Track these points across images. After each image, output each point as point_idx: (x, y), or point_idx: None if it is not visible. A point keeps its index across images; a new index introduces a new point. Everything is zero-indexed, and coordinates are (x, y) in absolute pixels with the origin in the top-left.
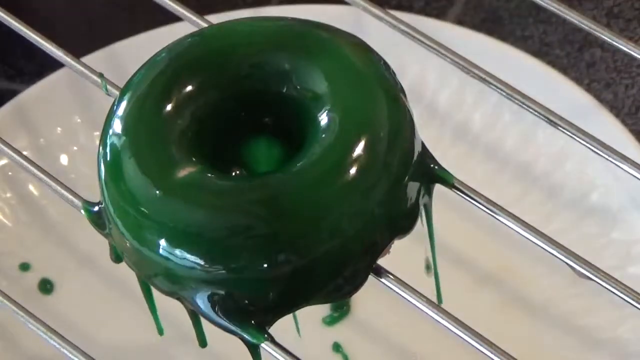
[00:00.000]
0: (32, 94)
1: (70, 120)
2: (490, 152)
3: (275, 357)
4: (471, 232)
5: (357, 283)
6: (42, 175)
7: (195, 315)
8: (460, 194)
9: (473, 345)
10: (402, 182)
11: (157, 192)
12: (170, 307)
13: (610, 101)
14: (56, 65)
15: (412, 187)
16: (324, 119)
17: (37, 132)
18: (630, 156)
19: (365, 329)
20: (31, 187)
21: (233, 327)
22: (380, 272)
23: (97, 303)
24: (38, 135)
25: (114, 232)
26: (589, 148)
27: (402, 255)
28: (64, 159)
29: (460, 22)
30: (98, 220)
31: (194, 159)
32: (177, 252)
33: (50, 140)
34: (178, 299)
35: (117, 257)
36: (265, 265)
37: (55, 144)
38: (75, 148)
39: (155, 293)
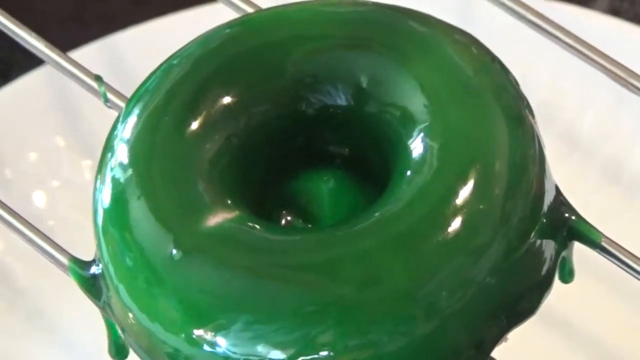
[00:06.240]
0: None
1: (49, 143)
2: None
3: None
4: (630, 318)
5: None
6: (8, 218)
7: None
8: (612, 258)
9: None
10: (527, 241)
11: (178, 249)
12: None
13: None
14: (32, 61)
15: (540, 248)
16: (417, 148)
17: (1, 158)
18: None
19: None
20: None
21: None
22: None
23: None
24: (2, 164)
25: (113, 303)
26: None
27: (525, 342)
28: (39, 198)
29: (615, 11)
30: (91, 286)
31: (229, 201)
32: (204, 334)
33: (20, 171)
34: None
35: (117, 350)
36: (327, 353)
37: (27, 176)
38: (55, 183)
39: None
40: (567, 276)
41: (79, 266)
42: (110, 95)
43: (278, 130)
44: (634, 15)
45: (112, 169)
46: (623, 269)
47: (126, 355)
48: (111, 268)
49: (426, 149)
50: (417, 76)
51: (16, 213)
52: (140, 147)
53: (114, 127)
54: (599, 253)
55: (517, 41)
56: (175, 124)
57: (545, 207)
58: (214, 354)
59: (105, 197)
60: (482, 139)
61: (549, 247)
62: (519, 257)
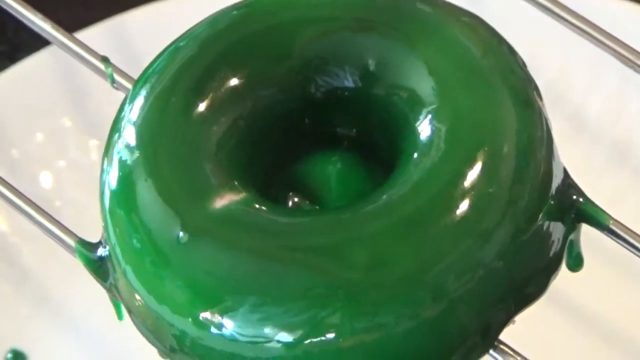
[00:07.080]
0: (1, 85)
1: (56, 124)
2: None
3: None
4: (637, 299)
5: None
6: (15, 200)
7: None
8: (619, 240)
9: None
10: (534, 224)
11: (185, 231)
12: None
13: None
14: (38, 43)
15: (548, 231)
16: (424, 130)
17: (8, 139)
18: None
19: None
20: None
21: None
22: (501, 350)
23: None
24: (9, 144)
25: (120, 285)
26: None
27: (532, 324)
28: (45, 179)
29: None
30: (98, 268)
31: (236, 183)
32: (211, 316)
33: (27, 152)
34: None
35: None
36: (334, 335)
37: (33, 157)
38: (62, 163)
39: None
40: (575, 263)
41: (86, 248)
42: (117, 77)
43: (285, 113)
44: None
45: (119, 151)
46: (630, 250)
47: None
48: (118, 250)
49: (433, 131)
50: (424, 58)
51: (23, 194)
52: (148, 129)
53: (121, 109)
54: (607, 235)
55: (525, 23)
56: (183, 106)
57: (553, 190)
58: (221, 336)
59: (113, 179)
60: (490, 121)
61: (556, 229)
62: (526, 240)
